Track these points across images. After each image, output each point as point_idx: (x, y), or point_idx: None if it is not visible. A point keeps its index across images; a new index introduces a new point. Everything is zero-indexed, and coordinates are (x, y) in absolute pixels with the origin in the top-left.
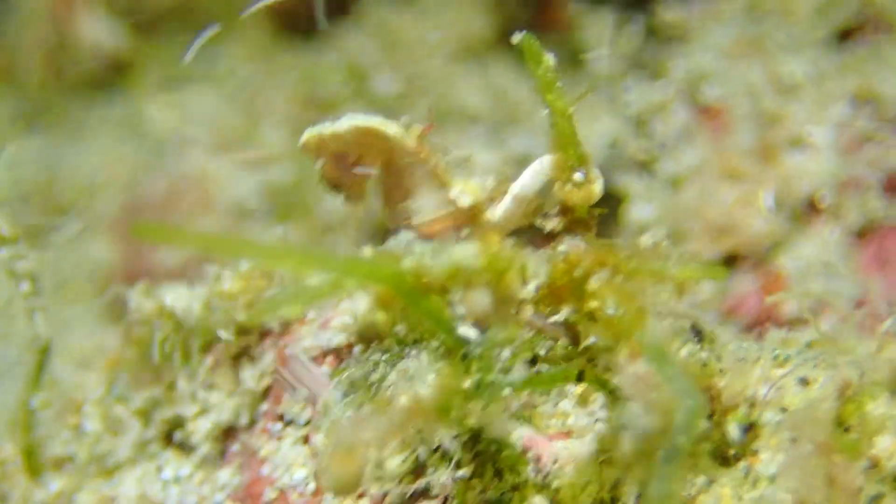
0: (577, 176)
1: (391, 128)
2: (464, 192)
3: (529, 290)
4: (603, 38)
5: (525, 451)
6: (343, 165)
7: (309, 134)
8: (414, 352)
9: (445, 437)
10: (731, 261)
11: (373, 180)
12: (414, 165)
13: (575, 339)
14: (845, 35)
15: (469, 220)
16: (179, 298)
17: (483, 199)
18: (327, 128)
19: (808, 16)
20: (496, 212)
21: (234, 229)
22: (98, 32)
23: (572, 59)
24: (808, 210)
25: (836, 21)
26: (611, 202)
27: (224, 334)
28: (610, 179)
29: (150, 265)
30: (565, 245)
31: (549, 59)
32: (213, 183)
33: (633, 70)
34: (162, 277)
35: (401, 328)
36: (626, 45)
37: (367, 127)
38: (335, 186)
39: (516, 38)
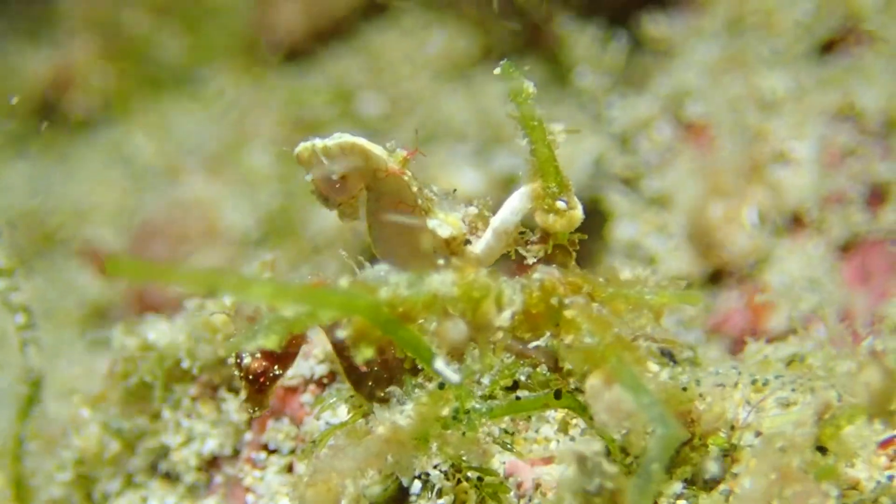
0: (560, 204)
1: (376, 149)
2: (443, 224)
3: (505, 317)
4: (589, 54)
5: (507, 477)
6: (331, 182)
7: (302, 146)
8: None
9: (427, 465)
10: (716, 277)
11: (361, 201)
12: (396, 190)
13: (555, 365)
14: (827, 47)
15: (448, 252)
16: (162, 335)
17: (460, 234)
18: (318, 143)
19: (790, 29)
20: (478, 246)
21: (238, 256)
22: None
23: (558, 76)
24: (793, 225)
25: (818, 34)
26: (596, 220)
27: (199, 369)
28: (595, 197)
29: (155, 294)
30: (539, 273)
31: (530, 86)
32: (213, 209)
33: (618, 86)
34: (169, 307)
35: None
36: (610, 61)
37: (352, 144)
38: (325, 200)
39: (497, 68)
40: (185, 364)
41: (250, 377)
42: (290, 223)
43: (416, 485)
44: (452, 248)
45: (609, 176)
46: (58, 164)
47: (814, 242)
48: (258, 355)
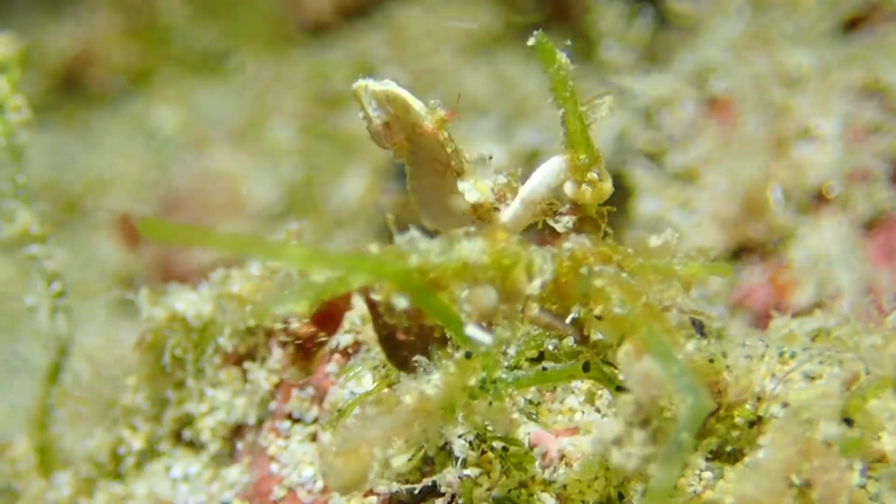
0: (592, 175)
1: (416, 104)
2: (472, 189)
3: (535, 286)
4: (614, 29)
5: (532, 447)
6: (377, 124)
7: (357, 84)
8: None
9: (452, 435)
10: (739, 253)
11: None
12: (432, 147)
13: (582, 336)
14: (851, 25)
15: (475, 216)
16: (190, 305)
17: (487, 202)
18: (371, 84)
19: (814, 6)
20: (505, 214)
21: (262, 229)
22: None
23: (582, 50)
24: (817, 202)
25: (842, 11)
26: (619, 195)
27: (226, 341)
28: (618, 172)
29: (181, 263)
30: (570, 242)
31: (563, 58)
32: (237, 182)
33: (643, 61)
34: (194, 275)
35: None
36: (635, 36)
37: (395, 94)
38: (377, 139)
39: (533, 36)
40: (215, 336)
41: (297, 342)
42: (312, 197)
43: (460, 443)
44: (479, 214)
45: (633, 151)
46: (80, 135)
47: (838, 219)
48: (306, 320)
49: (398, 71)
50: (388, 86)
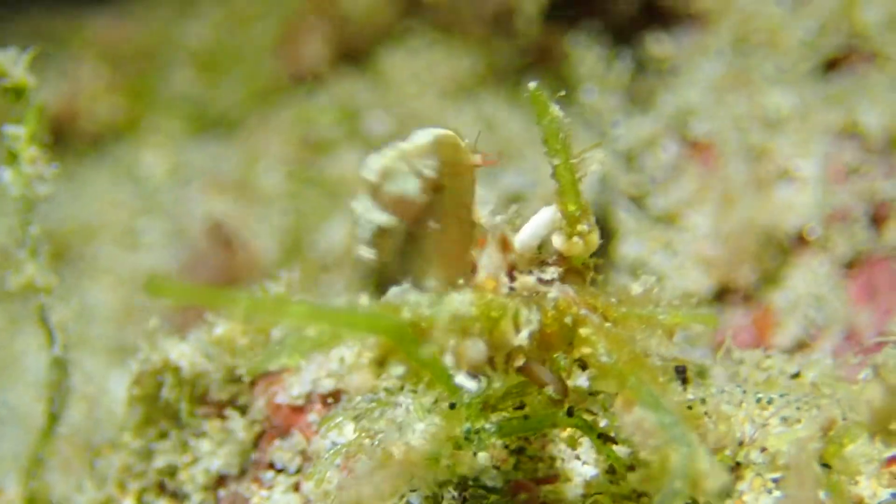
0: (583, 228)
1: (461, 140)
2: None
3: (523, 337)
4: (594, 73)
5: (514, 494)
6: (413, 198)
7: (386, 159)
8: (401, 399)
9: (432, 483)
10: (721, 294)
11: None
12: (466, 190)
13: (563, 386)
14: (832, 65)
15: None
16: (182, 355)
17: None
18: (406, 146)
19: (794, 47)
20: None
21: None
22: None
23: (564, 95)
24: (797, 243)
25: (822, 52)
26: (602, 237)
27: (214, 387)
28: (601, 214)
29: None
30: (555, 292)
31: (556, 110)
32: (244, 232)
33: (623, 104)
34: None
35: (387, 376)
36: (615, 79)
37: (444, 134)
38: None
39: (528, 87)
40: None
41: None
42: (298, 242)
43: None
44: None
45: (615, 193)
46: (66, 184)
47: (819, 260)
48: None
49: (383, 115)
50: (433, 132)
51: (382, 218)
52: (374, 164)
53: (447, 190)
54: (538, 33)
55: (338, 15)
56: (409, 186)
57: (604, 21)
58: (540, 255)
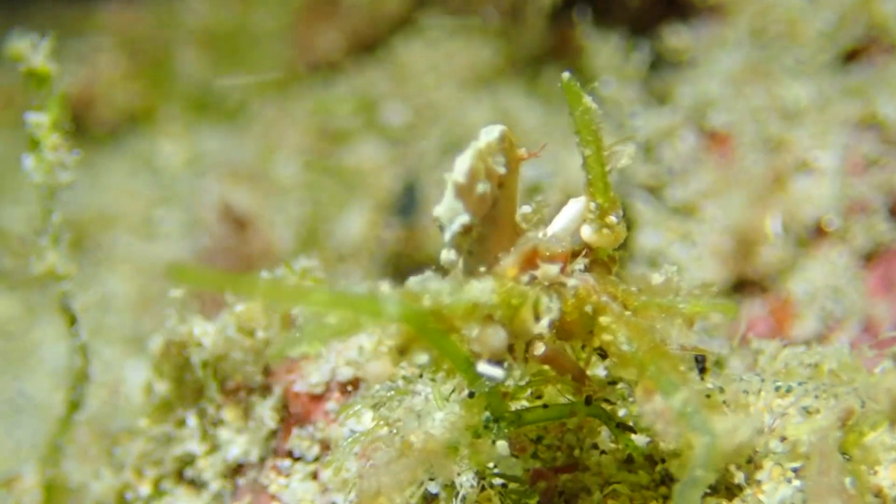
0: (612, 219)
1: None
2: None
3: (543, 325)
4: (611, 65)
5: (532, 483)
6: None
7: (471, 159)
8: (420, 387)
9: (452, 471)
10: (739, 286)
11: None
12: (514, 190)
13: (582, 375)
14: (850, 57)
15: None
16: (206, 334)
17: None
18: (482, 143)
19: (813, 39)
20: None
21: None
22: None
23: (581, 85)
24: (816, 234)
25: (841, 43)
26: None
27: (233, 374)
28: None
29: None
30: (575, 280)
31: (589, 101)
32: (262, 222)
33: (641, 96)
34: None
35: (406, 364)
36: (633, 71)
37: (501, 130)
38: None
39: (562, 77)
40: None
41: None
42: (315, 232)
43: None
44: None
45: (633, 185)
46: (83, 173)
47: (837, 251)
48: None
49: (401, 106)
50: (495, 130)
51: (467, 218)
52: (463, 166)
53: (504, 187)
54: (554, 25)
55: (352, 3)
56: (488, 185)
57: (621, 13)
58: (573, 250)
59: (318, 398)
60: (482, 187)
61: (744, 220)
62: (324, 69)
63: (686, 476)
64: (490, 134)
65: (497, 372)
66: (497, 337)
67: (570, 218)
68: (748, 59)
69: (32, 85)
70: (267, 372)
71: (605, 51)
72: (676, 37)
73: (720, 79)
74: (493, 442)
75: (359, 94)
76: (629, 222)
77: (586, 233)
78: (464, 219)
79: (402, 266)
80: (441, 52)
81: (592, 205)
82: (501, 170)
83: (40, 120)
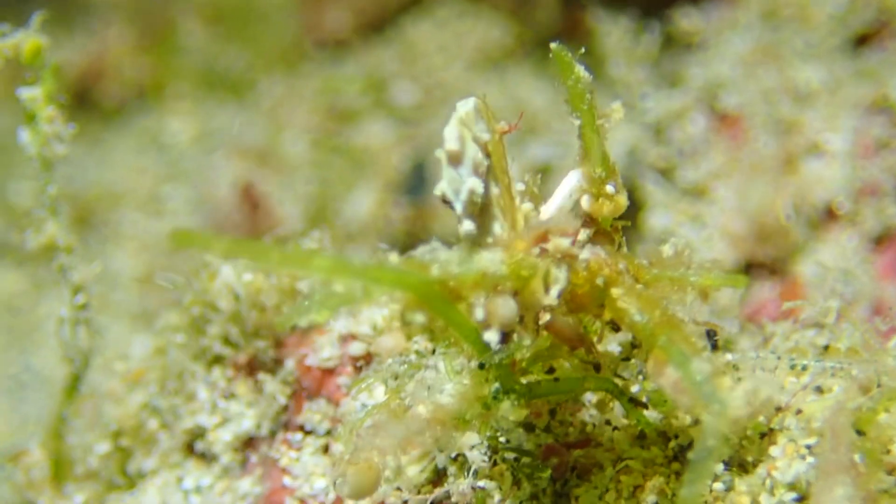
0: (609, 189)
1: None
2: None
3: (553, 296)
4: (621, 47)
5: (544, 458)
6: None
7: (458, 119)
8: (432, 361)
9: (464, 445)
10: (749, 267)
11: None
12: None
13: (592, 347)
14: (862, 41)
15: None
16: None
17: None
18: (461, 110)
19: (824, 22)
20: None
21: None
22: None
23: (592, 66)
24: (826, 217)
25: (852, 27)
26: (630, 209)
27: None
28: (629, 186)
29: None
30: (586, 253)
31: (581, 70)
32: (269, 198)
33: (651, 78)
34: None
35: (419, 338)
36: (643, 52)
37: (481, 103)
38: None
39: (552, 47)
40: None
41: None
42: (324, 211)
43: (473, 455)
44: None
45: (643, 166)
46: (91, 149)
47: (847, 234)
48: None
49: (410, 85)
50: (469, 101)
51: (476, 181)
52: (451, 134)
53: (492, 155)
54: (564, 6)
55: None
56: (478, 150)
57: None
58: (573, 225)
59: (330, 372)
60: (472, 151)
61: (754, 202)
62: (332, 48)
63: (698, 446)
64: (466, 105)
65: (498, 343)
66: (507, 306)
67: (564, 194)
68: (759, 41)
69: (25, 60)
70: (278, 344)
71: (615, 33)
72: (687, 19)
73: (731, 61)
74: (504, 414)
75: (368, 74)
76: (639, 203)
77: (585, 203)
78: (471, 183)
79: (410, 245)
80: (450, 33)
81: (590, 175)
82: (485, 136)
83: (34, 93)
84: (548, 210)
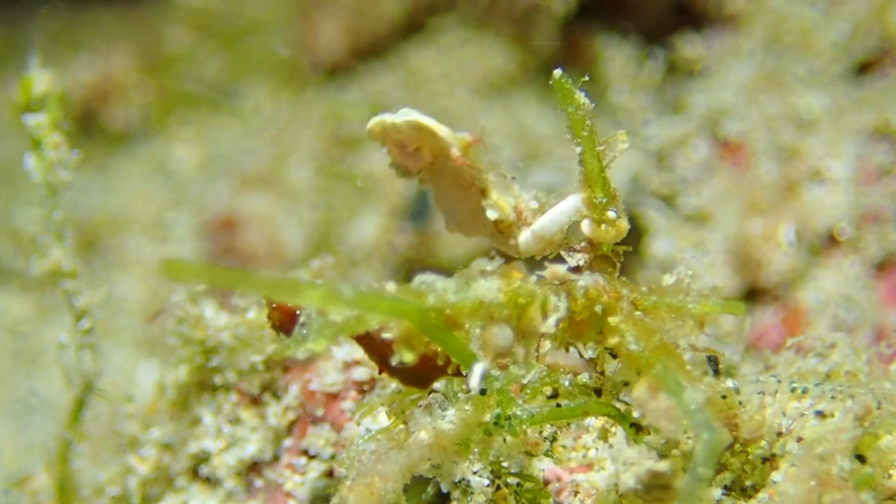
0: (610, 214)
1: (442, 130)
2: (493, 207)
3: (550, 324)
4: (625, 73)
5: (546, 483)
6: (406, 152)
7: (375, 121)
8: (437, 385)
9: (467, 471)
10: (752, 294)
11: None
12: (461, 169)
13: (597, 373)
14: (864, 68)
15: (496, 230)
16: (218, 317)
17: (507, 219)
18: (388, 118)
19: (826, 50)
20: (517, 241)
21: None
22: None
23: (595, 93)
24: (828, 243)
25: (855, 55)
26: (633, 235)
27: (240, 377)
28: (632, 213)
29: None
30: (585, 280)
31: (582, 97)
32: (271, 225)
33: (654, 105)
34: None
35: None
36: (646, 79)
37: (420, 123)
38: (403, 171)
39: (553, 75)
40: (227, 375)
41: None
42: (328, 237)
43: (475, 480)
44: (500, 229)
45: (646, 192)
46: (96, 174)
47: (850, 261)
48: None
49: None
50: (412, 115)
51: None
52: (369, 124)
53: (437, 167)
54: (567, 33)
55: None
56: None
57: (635, 22)
58: (563, 241)
59: (334, 396)
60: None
61: (757, 228)
62: (336, 73)
63: (688, 474)
64: (399, 116)
65: (476, 383)
66: (503, 335)
67: (561, 211)
68: (761, 68)
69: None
70: (283, 370)
71: (618, 59)
72: (690, 46)
73: (733, 88)
74: (504, 440)
75: (372, 100)
76: (641, 230)
77: (586, 228)
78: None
79: (414, 271)
80: (454, 59)
81: (589, 200)
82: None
83: (39, 120)
84: (537, 223)
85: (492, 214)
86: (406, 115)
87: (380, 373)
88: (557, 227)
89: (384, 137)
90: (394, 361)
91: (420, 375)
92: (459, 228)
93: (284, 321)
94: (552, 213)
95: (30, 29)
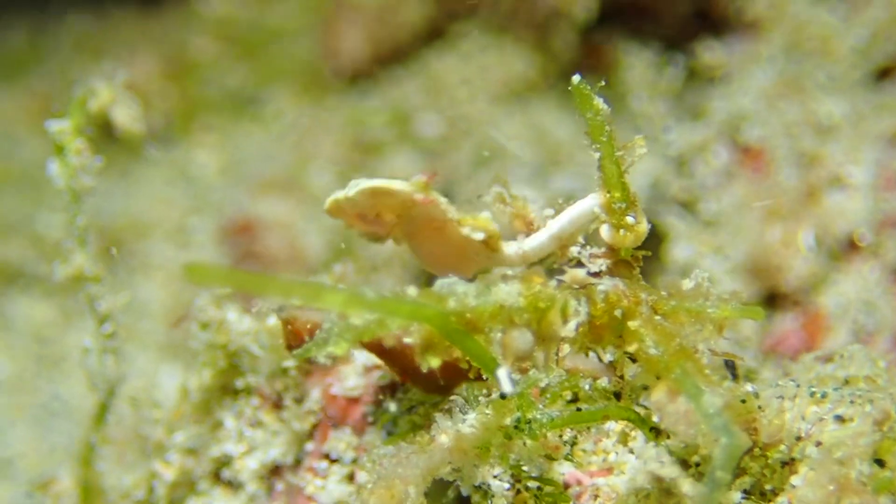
0: (629, 219)
1: (396, 184)
2: (475, 229)
3: (570, 328)
4: (645, 80)
5: (566, 487)
6: (368, 221)
7: (330, 202)
8: (459, 389)
9: (487, 474)
10: (772, 299)
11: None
12: (427, 211)
13: (617, 377)
14: (884, 74)
15: (488, 250)
16: (240, 321)
17: (493, 232)
18: (340, 195)
19: (846, 55)
20: (528, 243)
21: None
22: None
23: (615, 99)
24: (848, 249)
25: (874, 60)
26: (653, 241)
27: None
28: (652, 219)
29: None
30: (605, 285)
31: (600, 102)
32: (291, 231)
33: (674, 111)
34: None
35: None
36: (666, 86)
37: (372, 188)
38: (374, 237)
39: (572, 80)
40: (250, 379)
41: None
42: (349, 242)
43: (496, 483)
44: (491, 246)
45: (666, 198)
46: (119, 179)
47: (869, 266)
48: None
49: (434, 118)
50: (360, 185)
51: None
52: (325, 207)
53: (405, 220)
54: (587, 39)
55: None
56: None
57: (655, 29)
58: (575, 239)
59: (355, 401)
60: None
61: (776, 234)
62: (357, 79)
63: (707, 477)
64: (349, 189)
65: (507, 386)
66: (523, 339)
67: (579, 212)
68: (782, 74)
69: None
70: (305, 374)
71: (638, 66)
72: (710, 53)
73: (753, 94)
74: (524, 443)
75: (393, 107)
76: (661, 236)
77: (605, 232)
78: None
79: (434, 276)
80: (474, 66)
81: (607, 205)
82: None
83: (63, 126)
84: (554, 224)
85: (479, 236)
86: (356, 186)
87: (402, 382)
88: (575, 228)
89: (342, 214)
90: (424, 368)
91: (442, 383)
92: (455, 274)
93: (295, 341)
94: (569, 213)
95: (54, 35)
